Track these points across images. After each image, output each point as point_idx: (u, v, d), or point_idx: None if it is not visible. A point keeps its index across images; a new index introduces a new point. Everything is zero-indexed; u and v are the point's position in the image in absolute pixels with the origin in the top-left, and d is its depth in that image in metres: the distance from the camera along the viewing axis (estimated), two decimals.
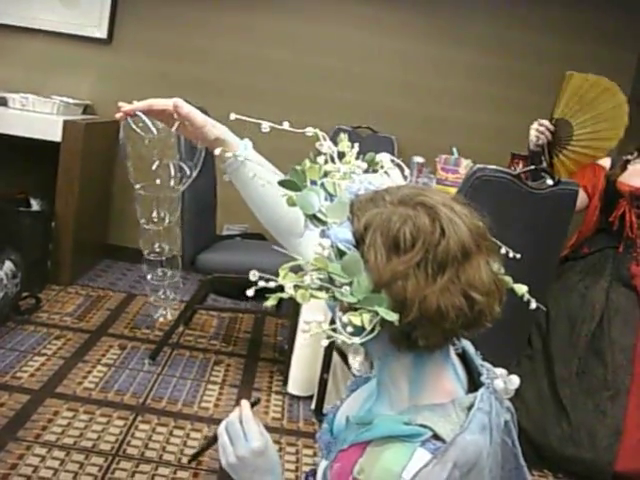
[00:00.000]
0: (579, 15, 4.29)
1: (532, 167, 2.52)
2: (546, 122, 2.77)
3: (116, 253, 4.46)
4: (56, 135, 3.72)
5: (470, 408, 0.97)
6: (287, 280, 0.91)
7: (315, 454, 2.50)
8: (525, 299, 1.07)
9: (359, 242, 0.94)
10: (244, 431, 1.13)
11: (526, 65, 4.32)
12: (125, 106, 1.27)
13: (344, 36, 4.38)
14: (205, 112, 3.79)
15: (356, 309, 0.90)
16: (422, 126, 4.39)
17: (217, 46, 4.38)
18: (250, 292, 0.94)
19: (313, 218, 0.99)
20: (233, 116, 1.16)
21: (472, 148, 3.65)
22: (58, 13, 4.28)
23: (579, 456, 2.56)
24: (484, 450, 0.96)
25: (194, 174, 1.33)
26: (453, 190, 2.63)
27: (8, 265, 3.18)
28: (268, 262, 1.30)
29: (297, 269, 0.93)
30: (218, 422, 2.66)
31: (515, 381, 1.04)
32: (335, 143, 1.09)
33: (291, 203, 1.03)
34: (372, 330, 0.90)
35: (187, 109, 1.25)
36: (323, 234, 0.97)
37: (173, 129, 1.27)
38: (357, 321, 0.89)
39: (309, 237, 1.24)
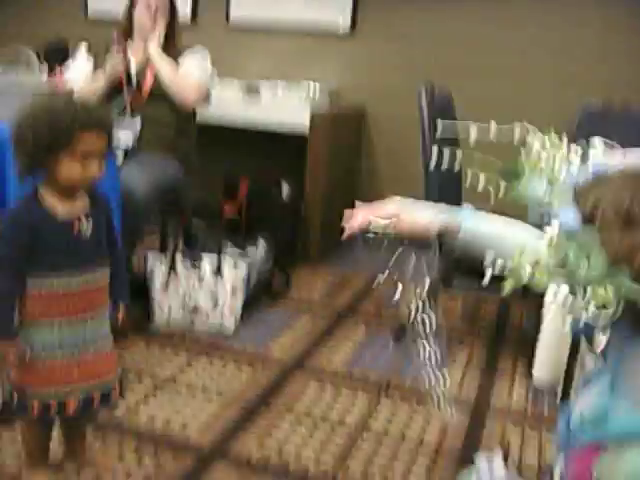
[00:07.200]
0: None
1: None
2: None
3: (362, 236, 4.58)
4: (304, 126, 3.94)
5: None
6: (523, 262, 0.89)
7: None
8: None
9: (588, 222, 0.92)
10: None
11: None
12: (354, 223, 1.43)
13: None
14: (449, 96, 3.68)
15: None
16: None
17: (458, 29, 4.33)
18: (486, 280, 0.94)
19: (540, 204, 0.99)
20: (493, 127, 1.16)
21: None
22: (302, 6, 4.53)
23: None
24: None
25: None
26: None
27: (263, 245, 3.41)
28: None
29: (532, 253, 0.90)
30: (461, 403, 2.66)
31: None
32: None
33: (513, 193, 1.03)
34: (616, 307, 0.86)
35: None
36: (549, 219, 0.96)
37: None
38: (606, 294, 0.85)
39: None
